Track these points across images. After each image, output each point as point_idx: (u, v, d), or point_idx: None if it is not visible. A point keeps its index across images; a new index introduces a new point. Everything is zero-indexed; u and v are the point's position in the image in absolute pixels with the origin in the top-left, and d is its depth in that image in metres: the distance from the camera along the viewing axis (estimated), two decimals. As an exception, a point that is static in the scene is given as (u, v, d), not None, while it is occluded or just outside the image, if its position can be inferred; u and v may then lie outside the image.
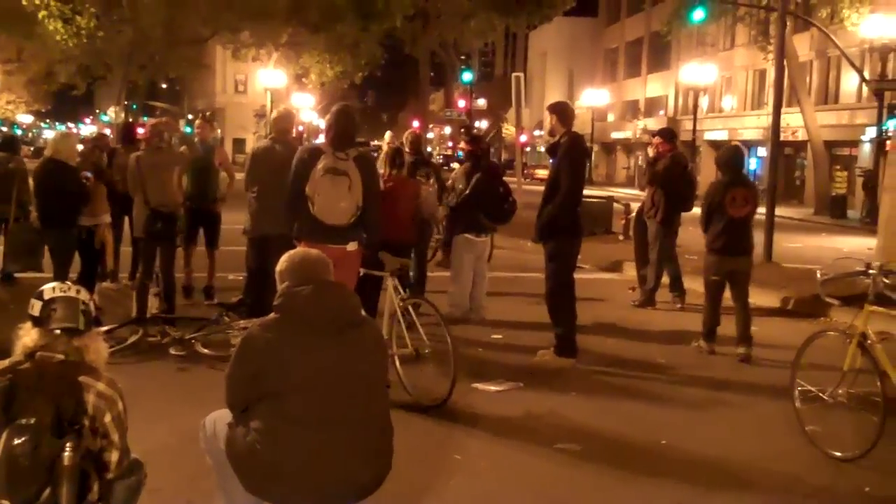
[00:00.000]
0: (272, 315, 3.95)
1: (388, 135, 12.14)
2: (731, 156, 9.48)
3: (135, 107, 61.04)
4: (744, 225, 9.13)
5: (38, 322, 3.65)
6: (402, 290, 7.41)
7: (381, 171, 8.81)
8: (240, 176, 9.67)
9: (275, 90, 43.00)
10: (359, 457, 3.84)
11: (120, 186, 10.27)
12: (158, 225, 9.02)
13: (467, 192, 10.13)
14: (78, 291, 3.76)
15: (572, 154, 8.48)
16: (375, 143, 41.96)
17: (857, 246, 19.88)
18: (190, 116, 69.97)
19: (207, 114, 17.94)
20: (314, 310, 3.90)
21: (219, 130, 76.54)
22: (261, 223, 8.64)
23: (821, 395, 6.23)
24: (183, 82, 67.90)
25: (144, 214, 9.07)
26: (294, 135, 10.68)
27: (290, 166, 7.13)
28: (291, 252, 4.25)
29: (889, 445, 5.99)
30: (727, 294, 9.31)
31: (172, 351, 8.21)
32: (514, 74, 21.93)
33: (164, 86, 67.58)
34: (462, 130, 13.05)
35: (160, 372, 7.71)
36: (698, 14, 26.08)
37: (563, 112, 8.66)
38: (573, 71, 71.25)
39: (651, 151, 11.99)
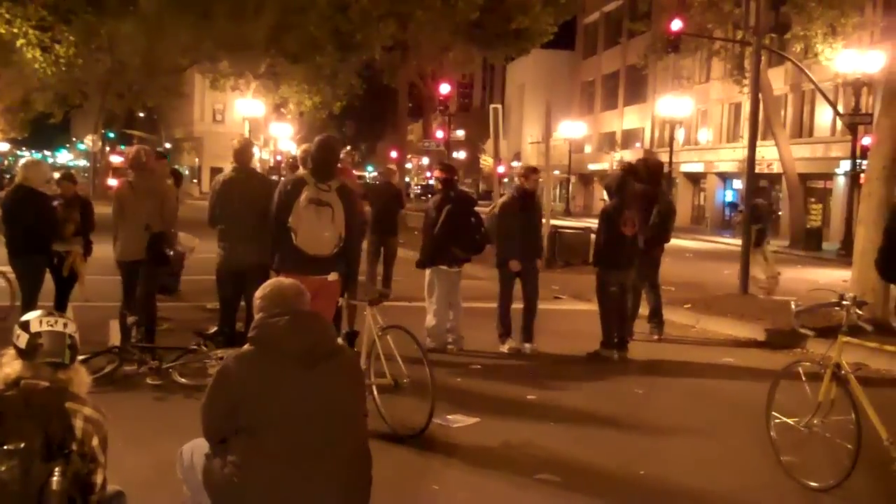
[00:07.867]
0: (247, 346, 3.94)
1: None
2: (623, 181, 10.39)
3: (112, 135, 60.88)
4: (633, 242, 10.31)
5: (23, 354, 3.61)
6: (380, 320, 7.39)
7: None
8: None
9: (253, 119, 43.04)
10: (337, 489, 3.81)
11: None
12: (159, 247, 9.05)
13: (439, 225, 10.13)
14: (65, 325, 3.69)
15: None
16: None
17: (833, 278, 20.02)
18: (168, 145, 69.81)
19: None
20: (290, 340, 3.86)
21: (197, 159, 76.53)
22: (239, 255, 8.40)
23: (796, 425, 6.26)
24: (160, 111, 67.71)
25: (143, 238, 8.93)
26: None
27: (258, 195, 7.23)
28: (267, 282, 4.25)
29: (864, 475, 6.04)
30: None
31: (149, 380, 8.16)
32: (492, 106, 21.99)
33: (141, 115, 67.37)
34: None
35: (137, 401, 7.66)
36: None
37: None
38: (550, 103, 71.58)
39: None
